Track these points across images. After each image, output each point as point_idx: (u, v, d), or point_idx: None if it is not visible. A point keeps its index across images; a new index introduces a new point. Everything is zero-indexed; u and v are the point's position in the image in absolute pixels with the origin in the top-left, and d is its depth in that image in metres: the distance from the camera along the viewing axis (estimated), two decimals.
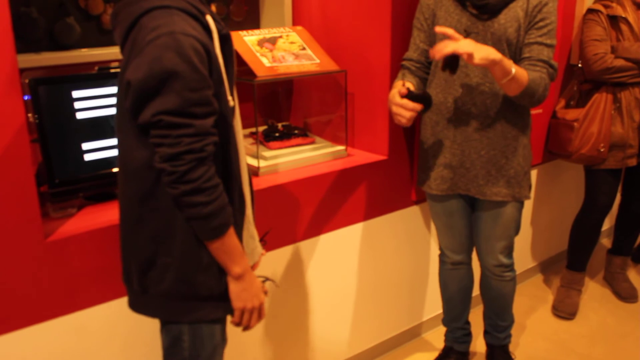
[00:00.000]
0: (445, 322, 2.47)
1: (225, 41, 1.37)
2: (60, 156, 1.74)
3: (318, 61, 2.26)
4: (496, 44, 1.89)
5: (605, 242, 3.71)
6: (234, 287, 1.40)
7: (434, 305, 2.73)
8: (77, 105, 1.78)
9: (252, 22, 2.71)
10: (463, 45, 1.73)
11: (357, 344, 2.49)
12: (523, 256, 3.18)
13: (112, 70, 1.91)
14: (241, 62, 2.12)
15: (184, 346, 1.42)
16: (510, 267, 2.24)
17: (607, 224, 3.68)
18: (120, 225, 1.42)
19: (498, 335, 2.39)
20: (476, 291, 2.41)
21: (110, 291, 1.73)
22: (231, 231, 1.34)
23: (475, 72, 1.96)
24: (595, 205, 2.87)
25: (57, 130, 1.74)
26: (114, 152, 1.83)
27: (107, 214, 1.75)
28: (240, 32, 2.26)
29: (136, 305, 1.45)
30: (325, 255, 2.26)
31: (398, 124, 1.88)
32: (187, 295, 1.38)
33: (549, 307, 3.00)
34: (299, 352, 2.30)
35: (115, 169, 1.81)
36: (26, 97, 1.62)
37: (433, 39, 2.02)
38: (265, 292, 1.49)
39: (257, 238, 1.56)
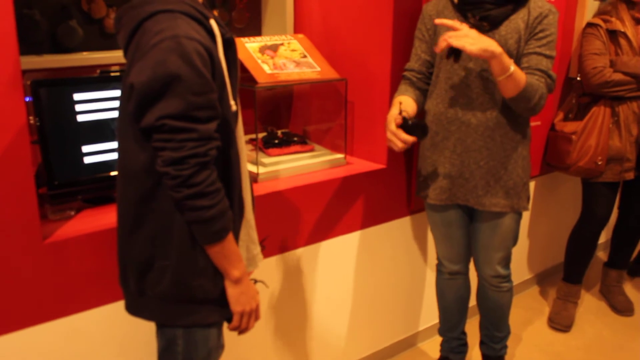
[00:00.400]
0: (441, 331, 2.47)
1: (229, 45, 1.37)
2: (59, 158, 1.74)
3: (319, 69, 2.27)
4: None
5: (602, 255, 3.72)
6: (232, 291, 1.40)
7: (430, 314, 2.72)
8: (78, 107, 1.78)
9: (254, 29, 2.72)
10: (462, 35, 1.75)
11: (352, 353, 2.48)
12: (520, 268, 3.18)
13: (113, 74, 1.92)
14: (242, 68, 2.12)
15: (178, 350, 1.42)
16: (507, 277, 2.24)
17: (604, 237, 3.68)
18: (118, 228, 1.42)
19: (494, 346, 2.39)
20: (473, 301, 2.41)
21: (107, 294, 1.72)
22: (231, 236, 1.35)
23: (475, 83, 1.97)
24: (592, 218, 2.88)
25: (57, 132, 1.74)
26: (114, 156, 1.83)
27: (106, 217, 1.75)
28: (242, 39, 2.27)
29: (132, 308, 1.45)
30: (322, 263, 2.26)
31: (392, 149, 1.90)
32: (183, 299, 1.38)
33: (545, 319, 3.00)
34: (294, 359, 2.29)
35: (114, 173, 1.82)
36: (27, 99, 1.62)
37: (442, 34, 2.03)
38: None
39: (258, 244, 1.56)
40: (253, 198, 1.56)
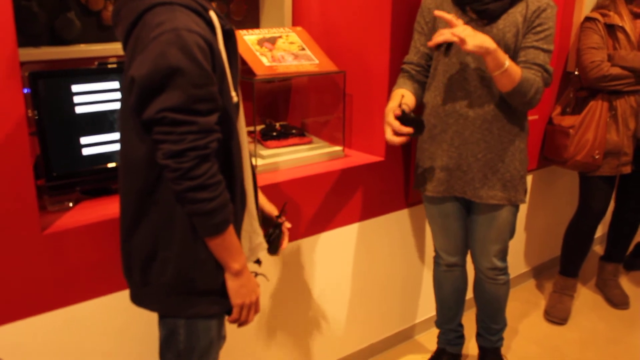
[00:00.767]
0: (438, 324, 2.48)
1: (229, 37, 1.37)
2: (58, 150, 1.74)
3: (317, 62, 2.27)
4: None
5: (598, 249, 3.73)
6: (232, 284, 1.41)
7: (427, 307, 2.74)
8: (76, 99, 1.78)
9: (252, 21, 2.71)
10: (457, 31, 1.75)
11: (349, 345, 2.50)
12: (516, 261, 3.19)
13: (111, 66, 1.92)
14: (241, 61, 2.13)
15: (180, 339, 1.43)
16: (504, 270, 2.25)
17: (600, 231, 3.70)
18: (120, 219, 1.42)
19: (490, 338, 2.40)
20: (469, 294, 2.42)
21: (106, 285, 1.73)
22: (231, 228, 1.35)
23: (473, 76, 1.98)
24: (589, 211, 2.89)
25: (55, 123, 1.74)
26: (112, 147, 1.83)
27: (104, 209, 1.75)
28: (240, 31, 2.27)
29: (137, 298, 1.46)
30: (319, 255, 2.27)
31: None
32: (185, 290, 1.39)
33: (541, 312, 3.02)
34: (291, 351, 2.30)
35: (112, 164, 1.82)
36: (25, 91, 1.62)
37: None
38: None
39: (261, 234, 1.57)
40: (256, 189, 1.56)
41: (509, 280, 2.29)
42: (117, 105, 1.85)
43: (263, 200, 1.70)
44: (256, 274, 1.53)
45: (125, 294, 1.61)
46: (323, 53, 2.34)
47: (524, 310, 3.03)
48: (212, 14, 1.33)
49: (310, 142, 2.40)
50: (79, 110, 1.78)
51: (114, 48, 2.20)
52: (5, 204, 1.50)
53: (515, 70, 1.84)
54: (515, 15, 1.93)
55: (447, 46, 1.85)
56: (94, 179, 1.83)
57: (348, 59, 2.38)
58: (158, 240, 1.36)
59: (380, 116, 2.29)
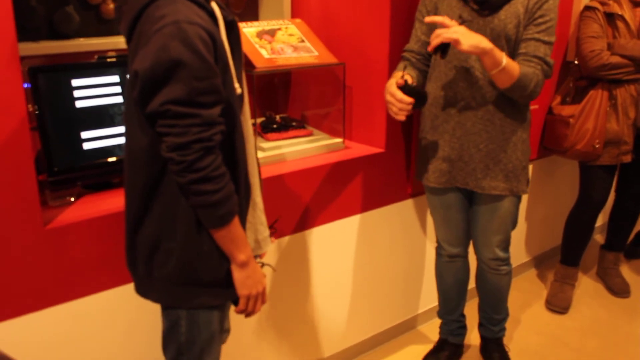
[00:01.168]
0: (440, 314, 2.49)
1: (232, 28, 1.37)
2: (59, 144, 1.74)
3: (316, 54, 2.27)
4: (495, 40, 1.90)
5: (599, 237, 3.74)
6: (238, 275, 1.41)
7: (429, 297, 2.74)
8: (77, 93, 1.77)
9: (251, 13, 2.70)
10: (452, 32, 1.75)
11: (352, 336, 2.50)
12: (517, 251, 3.20)
13: (111, 60, 1.91)
14: None
15: (181, 331, 1.44)
16: (506, 260, 2.25)
17: (601, 220, 3.71)
18: (125, 213, 1.43)
19: (492, 328, 2.41)
20: (472, 284, 2.43)
21: (110, 279, 1.73)
22: (237, 220, 1.35)
23: (476, 67, 1.97)
24: (589, 200, 2.89)
25: (56, 118, 1.73)
26: (113, 141, 1.83)
27: (105, 203, 1.75)
28: (240, 24, 2.26)
29: (141, 289, 1.47)
30: (321, 247, 2.27)
31: (393, 117, 1.89)
32: (188, 281, 1.39)
33: (543, 302, 3.02)
34: (294, 343, 2.31)
35: (113, 158, 1.82)
36: (25, 85, 1.61)
37: (434, 31, 2.03)
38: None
39: (267, 226, 1.57)
40: (261, 181, 1.56)
41: (511, 271, 2.30)
42: (117, 99, 1.84)
43: None
44: (262, 265, 1.54)
45: (128, 288, 1.61)
46: (322, 45, 2.33)
47: (526, 299, 3.04)
48: (214, 5, 1.33)
49: (310, 134, 2.40)
50: (79, 104, 1.78)
51: (114, 42, 2.20)
52: (7, 200, 1.50)
53: (513, 67, 1.84)
54: (516, 6, 1.92)
55: (444, 50, 1.84)
56: (95, 173, 1.82)
57: (348, 50, 2.38)
58: (162, 231, 1.36)
59: (381, 107, 2.28)
